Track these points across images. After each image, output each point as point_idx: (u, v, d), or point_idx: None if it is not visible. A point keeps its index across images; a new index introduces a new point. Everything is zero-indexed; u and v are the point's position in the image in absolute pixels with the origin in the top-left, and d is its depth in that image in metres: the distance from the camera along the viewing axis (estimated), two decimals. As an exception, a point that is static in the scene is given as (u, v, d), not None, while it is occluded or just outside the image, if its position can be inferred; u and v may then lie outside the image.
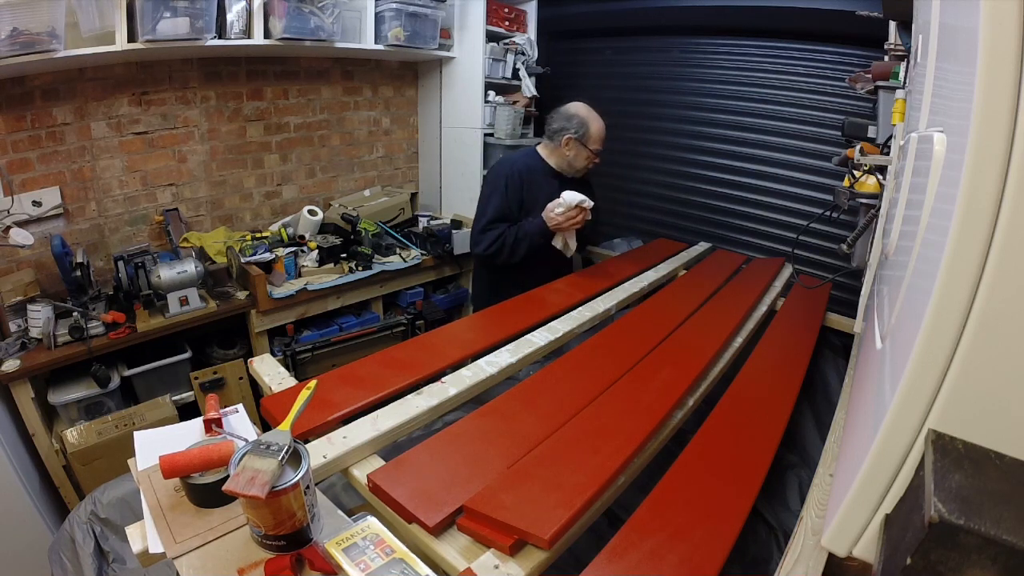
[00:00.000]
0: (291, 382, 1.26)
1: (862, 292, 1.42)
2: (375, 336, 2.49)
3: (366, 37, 2.50)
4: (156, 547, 0.77)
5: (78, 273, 1.95)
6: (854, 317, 1.50)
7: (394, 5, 2.48)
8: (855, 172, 1.46)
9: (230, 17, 2.08)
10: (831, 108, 2.38)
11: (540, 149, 2.12)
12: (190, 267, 2.00)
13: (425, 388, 1.25)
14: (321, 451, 1.02)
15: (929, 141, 0.67)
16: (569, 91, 3.30)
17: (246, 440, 0.91)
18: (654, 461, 1.18)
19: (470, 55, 2.80)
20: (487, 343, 1.48)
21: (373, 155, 3.10)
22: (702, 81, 2.79)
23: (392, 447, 1.14)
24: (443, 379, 1.30)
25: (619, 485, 1.05)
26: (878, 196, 1.37)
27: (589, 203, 1.99)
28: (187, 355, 2.11)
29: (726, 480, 1.05)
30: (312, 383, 0.90)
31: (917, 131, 0.89)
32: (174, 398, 2.02)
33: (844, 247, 1.49)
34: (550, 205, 2.00)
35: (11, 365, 1.69)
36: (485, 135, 2.86)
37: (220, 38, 2.08)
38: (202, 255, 2.30)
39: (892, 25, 1.48)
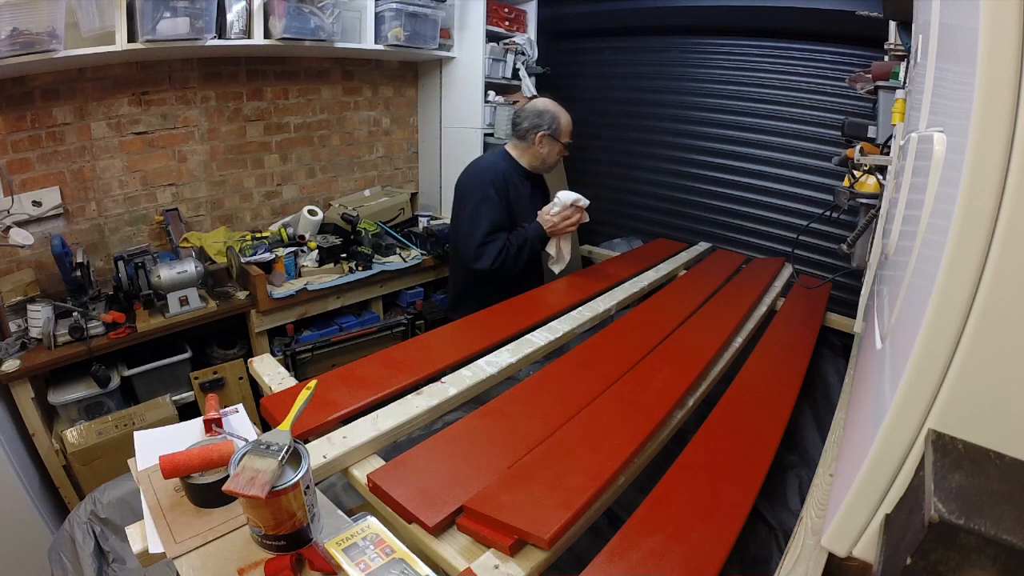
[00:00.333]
0: (291, 382, 1.26)
1: (862, 292, 1.42)
2: (375, 336, 2.49)
3: (366, 37, 2.50)
4: (156, 547, 0.77)
5: (78, 273, 1.95)
6: (854, 317, 1.50)
7: (394, 5, 2.48)
8: (855, 172, 1.46)
9: (230, 17, 2.07)
10: (831, 108, 2.38)
11: (510, 150, 2.09)
12: (190, 267, 2.00)
13: (425, 388, 1.25)
14: (321, 451, 1.02)
15: (929, 141, 0.67)
16: (569, 91, 3.32)
17: (246, 440, 0.91)
18: (654, 461, 1.18)
19: (470, 55, 2.80)
20: (487, 343, 1.48)
21: (373, 155, 3.10)
22: (702, 81, 2.79)
23: (392, 447, 1.14)
24: (443, 379, 1.30)
25: (619, 485, 1.05)
26: (878, 196, 1.37)
27: (585, 201, 1.99)
28: (187, 355, 2.11)
29: (726, 480, 1.05)
30: (312, 383, 0.90)
31: (917, 131, 0.89)
32: (174, 398, 2.02)
33: (844, 247, 1.49)
34: (545, 208, 2.00)
35: (11, 365, 1.69)
36: (485, 135, 2.86)
37: (220, 38, 2.08)
38: (202, 255, 2.30)
39: (892, 25, 1.48)
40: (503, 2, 2.92)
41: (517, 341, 1.51)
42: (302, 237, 2.50)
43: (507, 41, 2.90)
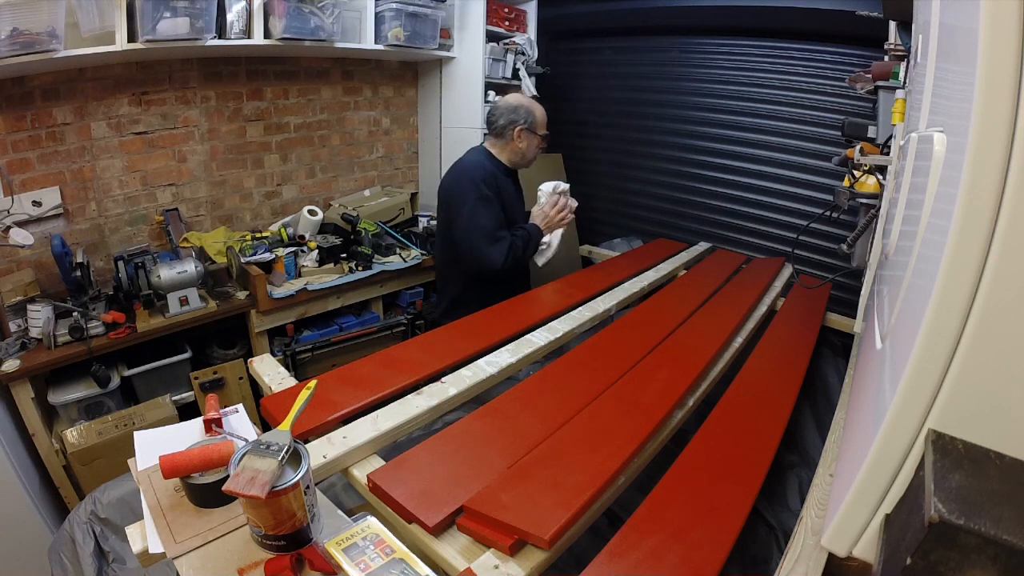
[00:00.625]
0: (291, 382, 1.26)
1: (862, 292, 1.42)
2: (375, 336, 2.49)
3: (366, 37, 2.50)
4: (156, 547, 0.77)
5: (78, 273, 1.95)
6: (854, 317, 1.50)
7: (394, 5, 2.48)
8: (855, 172, 1.46)
9: (230, 17, 2.07)
10: (831, 108, 2.38)
11: (490, 148, 2.08)
12: (190, 267, 2.00)
13: (425, 388, 1.25)
14: (321, 451, 1.02)
15: (929, 141, 0.67)
16: (569, 91, 3.33)
17: (246, 440, 0.91)
18: (654, 461, 1.18)
19: (470, 55, 2.80)
20: (487, 343, 1.48)
21: (373, 155, 3.10)
22: (702, 81, 2.79)
23: (392, 447, 1.14)
24: (443, 379, 1.30)
25: (619, 485, 1.05)
26: (878, 196, 1.37)
27: (564, 186, 2.03)
28: (187, 355, 2.11)
29: (726, 480, 1.05)
30: (312, 383, 0.90)
31: (917, 131, 0.89)
32: (174, 398, 2.01)
33: (844, 247, 1.49)
34: (537, 206, 2.03)
35: (11, 365, 1.69)
36: (485, 135, 2.86)
37: (220, 38, 2.08)
38: (202, 255, 2.30)
39: (892, 25, 1.48)
40: (503, 2, 2.92)
41: (517, 341, 1.51)
42: (302, 237, 2.50)
43: (507, 41, 2.90)
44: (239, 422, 1.00)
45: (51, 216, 2.08)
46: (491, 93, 2.85)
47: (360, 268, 2.43)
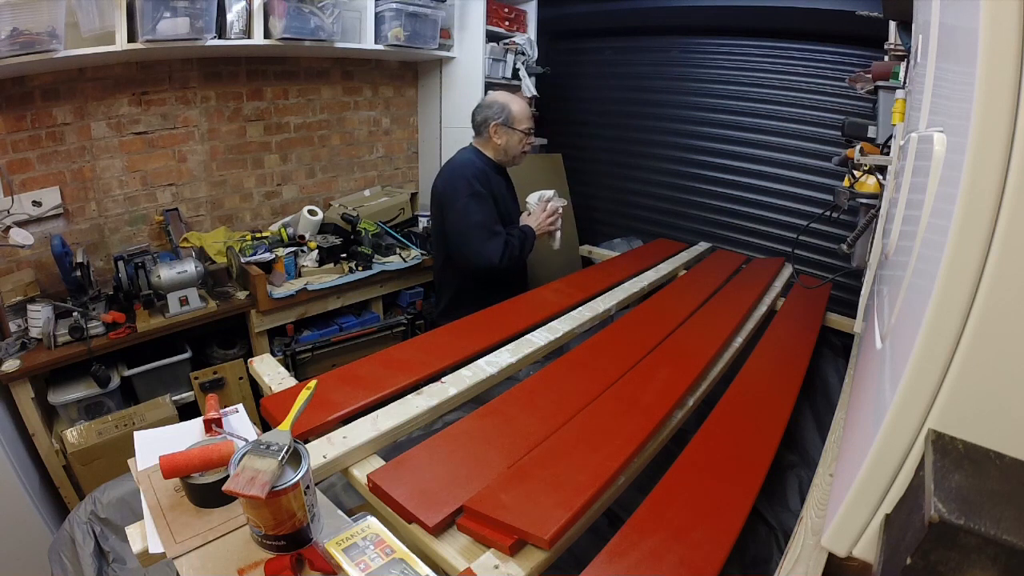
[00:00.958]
0: (291, 382, 1.26)
1: (862, 292, 1.42)
2: (375, 336, 2.49)
3: (366, 37, 2.50)
4: (156, 547, 0.77)
5: (78, 273, 1.95)
6: (854, 317, 1.50)
7: (394, 5, 2.48)
8: (855, 172, 1.46)
9: (230, 17, 2.07)
10: (831, 108, 2.38)
11: (478, 147, 2.07)
12: (190, 267, 2.00)
13: (425, 388, 1.25)
14: (321, 451, 1.02)
15: (929, 141, 0.67)
16: (569, 91, 3.33)
17: (246, 440, 0.91)
18: (654, 461, 1.18)
19: (470, 55, 2.80)
20: (487, 343, 1.48)
21: (373, 155, 3.10)
22: (702, 81, 2.79)
23: (392, 447, 1.14)
24: (443, 379, 1.30)
25: (619, 485, 1.05)
26: (878, 196, 1.37)
27: (549, 193, 2.06)
28: (187, 355, 2.11)
29: (726, 480, 1.05)
30: (312, 383, 0.90)
31: (917, 131, 0.89)
32: (174, 398, 2.01)
33: (844, 247, 1.49)
34: (524, 215, 2.06)
35: (11, 365, 1.69)
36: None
37: (220, 38, 2.08)
38: (202, 255, 2.30)
39: (892, 25, 1.48)
40: (503, 2, 2.92)
41: (517, 341, 1.51)
42: (302, 237, 2.50)
43: (507, 41, 2.90)
44: (239, 422, 1.00)
45: (51, 216, 2.08)
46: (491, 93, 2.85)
47: (360, 268, 2.43)
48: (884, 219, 1.23)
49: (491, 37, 2.82)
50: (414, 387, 1.26)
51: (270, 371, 1.31)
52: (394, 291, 2.64)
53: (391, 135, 3.14)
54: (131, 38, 1.89)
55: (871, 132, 1.51)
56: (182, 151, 2.40)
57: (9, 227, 1.91)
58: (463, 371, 1.34)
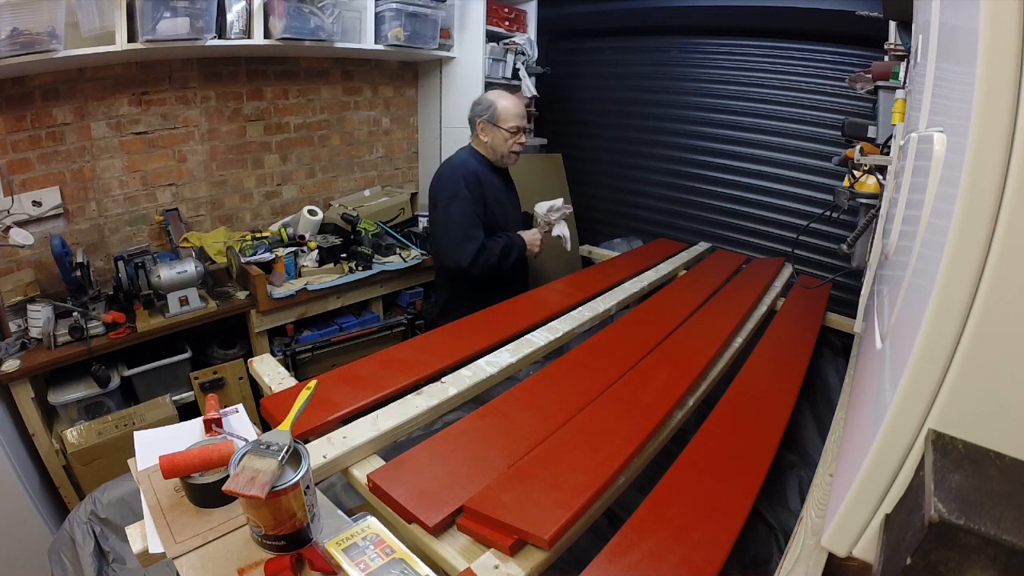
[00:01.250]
0: (291, 382, 1.26)
1: (862, 292, 1.42)
2: (375, 336, 2.49)
3: (366, 37, 2.50)
4: (156, 547, 0.77)
5: (78, 273, 1.95)
6: (854, 317, 1.50)
7: (394, 5, 2.48)
8: (855, 172, 1.46)
9: (230, 17, 2.07)
10: (831, 108, 2.38)
11: (475, 146, 2.09)
12: (190, 267, 2.00)
13: (425, 388, 1.25)
14: (321, 451, 1.02)
15: (929, 141, 0.67)
16: (569, 91, 3.33)
17: (246, 440, 0.91)
18: (654, 461, 1.18)
19: (470, 55, 2.80)
20: (487, 343, 1.48)
21: (373, 155, 3.10)
22: (702, 81, 2.79)
23: (392, 447, 1.14)
24: (443, 379, 1.30)
25: (619, 485, 1.05)
26: (878, 196, 1.37)
27: (557, 203, 2.07)
28: (187, 355, 2.11)
29: (726, 480, 1.05)
30: (312, 383, 0.90)
31: (917, 131, 0.89)
32: (174, 398, 2.01)
33: (844, 247, 1.49)
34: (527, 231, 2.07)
35: (11, 365, 1.69)
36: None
37: (220, 38, 2.08)
38: (202, 255, 2.30)
39: (892, 25, 1.48)
40: (503, 2, 2.92)
41: (517, 341, 1.51)
42: (302, 237, 2.50)
43: (507, 41, 2.90)
44: (239, 422, 1.00)
45: (51, 216, 2.08)
46: (491, 93, 2.85)
47: (360, 268, 2.43)
48: (884, 219, 1.23)
49: (491, 37, 2.82)
50: (414, 387, 1.26)
51: (270, 371, 1.31)
52: (394, 291, 2.64)
53: (391, 135, 3.14)
54: (131, 38, 1.89)
55: (871, 132, 1.51)
56: (182, 151, 2.40)
57: (9, 227, 1.91)
58: (463, 371, 1.34)
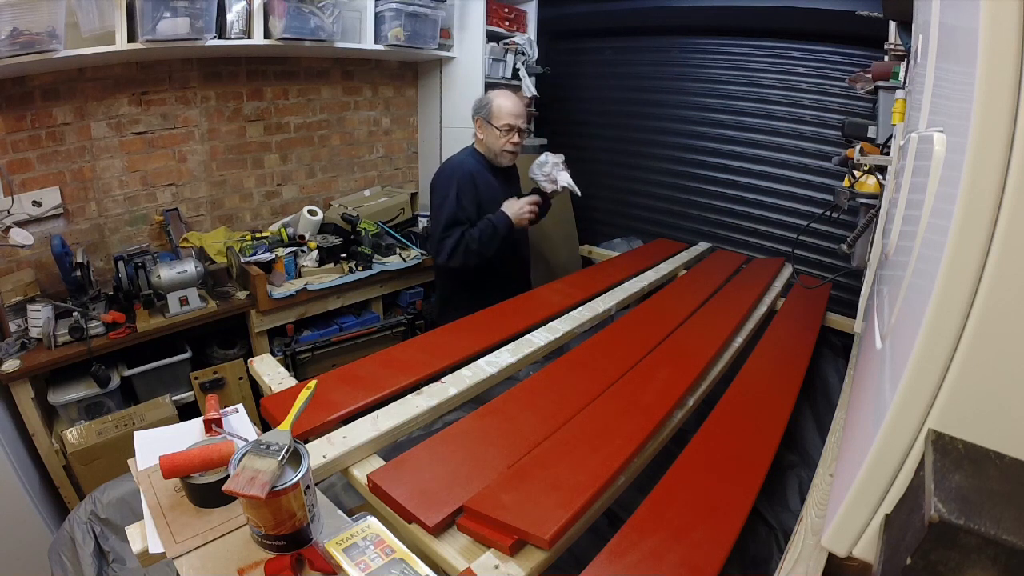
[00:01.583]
0: (291, 382, 1.26)
1: (862, 292, 1.42)
2: (375, 336, 2.49)
3: (366, 37, 2.50)
4: (156, 547, 0.77)
5: (78, 273, 1.95)
6: (854, 317, 1.50)
7: (394, 5, 2.48)
8: (855, 172, 1.46)
9: (230, 17, 2.07)
10: (831, 108, 2.38)
11: (475, 145, 2.09)
12: (190, 267, 2.00)
13: (425, 388, 1.25)
14: (321, 451, 1.02)
15: (929, 141, 0.67)
16: (569, 91, 3.33)
17: (246, 440, 0.91)
18: (654, 461, 1.18)
19: (470, 55, 2.80)
20: (487, 343, 1.48)
21: (373, 155, 3.10)
22: (702, 81, 2.79)
23: (392, 447, 1.14)
24: (443, 379, 1.30)
25: (619, 485, 1.05)
26: (878, 196, 1.37)
27: (549, 162, 2.01)
28: (187, 355, 2.11)
29: (726, 480, 1.05)
30: (312, 383, 0.90)
31: (917, 131, 0.89)
32: (174, 398, 2.01)
33: (844, 247, 1.49)
34: (511, 205, 1.97)
35: (11, 365, 1.69)
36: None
37: (220, 38, 2.08)
38: (202, 255, 2.30)
39: (892, 25, 1.48)
40: (503, 2, 2.92)
41: (517, 341, 1.51)
42: (302, 237, 2.50)
43: (507, 41, 2.90)
44: (239, 422, 1.00)
45: (51, 216, 2.08)
46: (491, 93, 2.85)
47: (360, 268, 2.43)
48: (884, 219, 1.23)
49: (491, 37, 2.82)
50: (414, 387, 1.26)
51: (270, 371, 1.31)
52: (394, 291, 2.64)
53: (391, 135, 3.14)
54: (131, 38, 1.89)
55: (871, 132, 1.51)
56: (182, 151, 2.40)
57: (9, 227, 1.91)
58: (463, 371, 1.34)
